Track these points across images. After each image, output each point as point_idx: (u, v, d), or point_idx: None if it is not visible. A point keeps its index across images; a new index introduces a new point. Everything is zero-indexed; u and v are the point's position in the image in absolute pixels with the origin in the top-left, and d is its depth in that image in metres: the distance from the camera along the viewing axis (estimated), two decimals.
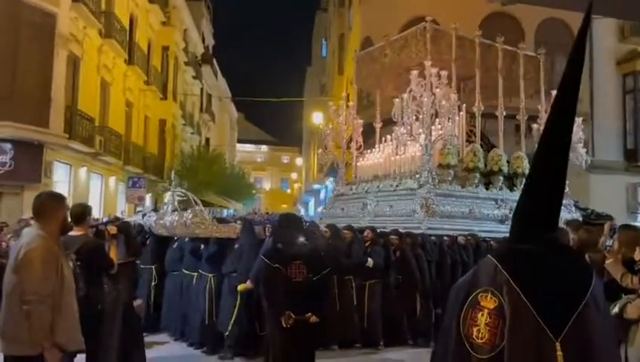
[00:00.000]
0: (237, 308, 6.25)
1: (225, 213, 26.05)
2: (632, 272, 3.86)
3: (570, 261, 2.37)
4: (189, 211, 6.54)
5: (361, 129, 12.18)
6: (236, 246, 6.42)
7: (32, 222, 6.46)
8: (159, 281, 7.45)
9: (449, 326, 2.36)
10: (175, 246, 7.32)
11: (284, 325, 4.41)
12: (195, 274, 6.90)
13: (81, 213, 4.56)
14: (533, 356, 2.09)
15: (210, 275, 6.64)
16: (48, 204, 3.43)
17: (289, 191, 64.12)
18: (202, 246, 6.83)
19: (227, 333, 6.32)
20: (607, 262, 4.09)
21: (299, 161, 55.61)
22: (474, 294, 2.27)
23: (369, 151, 12.01)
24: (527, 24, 16.80)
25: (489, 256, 2.43)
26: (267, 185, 65.16)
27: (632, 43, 18.34)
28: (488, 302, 2.21)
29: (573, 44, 2.32)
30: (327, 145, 12.10)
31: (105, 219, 6.80)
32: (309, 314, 4.46)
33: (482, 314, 2.20)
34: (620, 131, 18.82)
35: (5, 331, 3.16)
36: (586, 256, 5.02)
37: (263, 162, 67.57)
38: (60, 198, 3.61)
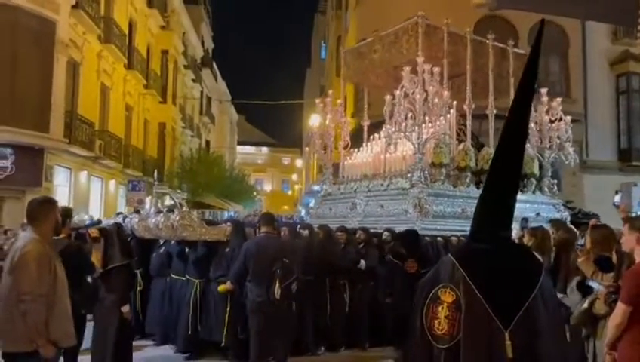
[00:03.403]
0: (228, 314, 6.05)
1: (225, 215, 26.20)
2: (602, 270, 4.00)
3: (522, 258, 2.55)
4: (176, 213, 6.24)
5: (348, 127, 11.96)
6: (227, 249, 6.21)
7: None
8: (144, 286, 7.15)
9: (415, 320, 2.55)
10: (162, 251, 7.03)
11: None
12: (183, 278, 6.65)
13: (62, 215, 4.43)
14: (485, 346, 2.28)
15: (197, 281, 6.42)
16: (40, 208, 3.60)
17: (290, 192, 64.10)
18: (188, 249, 6.54)
19: (224, 343, 6.08)
20: (579, 260, 4.24)
21: (299, 162, 55.60)
22: (435, 289, 2.46)
23: (356, 150, 11.70)
24: (521, 26, 16.92)
25: (449, 254, 2.63)
26: (268, 187, 65.19)
27: (624, 44, 18.40)
28: (447, 297, 2.40)
29: (524, 69, 2.51)
30: (315, 144, 11.77)
31: (87, 222, 6.50)
32: None
33: (442, 308, 2.39)
34: (614, 131, 18.97)
35: (2, 329, 3.33)
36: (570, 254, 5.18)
37: (263, 164, 67.61)
38: (51, 202, 3.78)
